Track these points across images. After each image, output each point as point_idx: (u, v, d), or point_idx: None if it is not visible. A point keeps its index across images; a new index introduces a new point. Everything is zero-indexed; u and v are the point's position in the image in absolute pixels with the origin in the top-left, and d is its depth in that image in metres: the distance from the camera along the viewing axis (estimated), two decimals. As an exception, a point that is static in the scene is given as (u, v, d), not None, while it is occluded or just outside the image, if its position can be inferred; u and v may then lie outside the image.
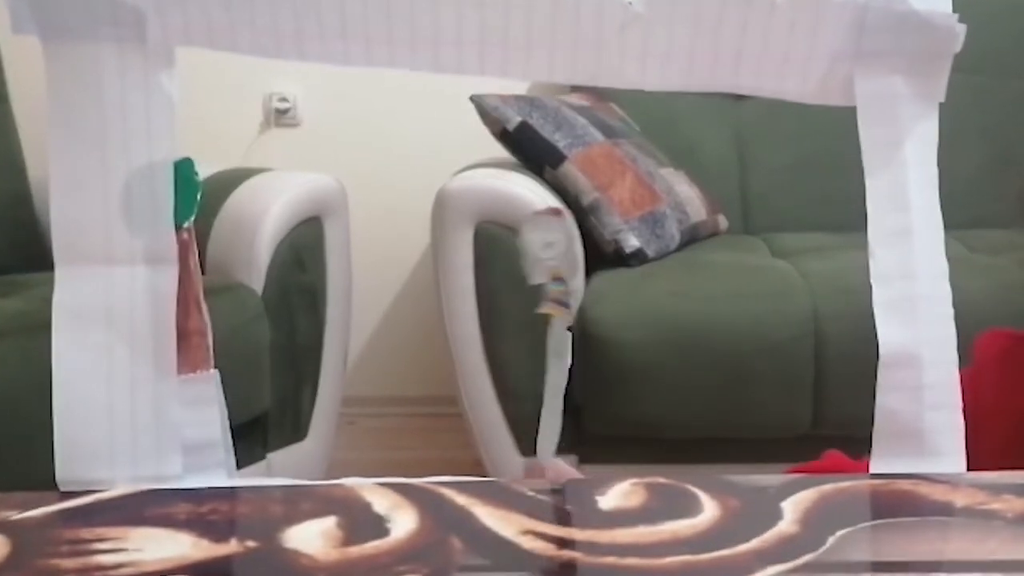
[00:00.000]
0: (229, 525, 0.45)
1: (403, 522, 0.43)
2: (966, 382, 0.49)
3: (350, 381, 2.04)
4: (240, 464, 0.55)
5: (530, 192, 1.74)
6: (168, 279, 0.50)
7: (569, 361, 0.56)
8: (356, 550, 0.41)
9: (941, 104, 0.52)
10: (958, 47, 0.50)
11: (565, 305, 0.57)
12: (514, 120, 1.88)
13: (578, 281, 0.55)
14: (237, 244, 1.69)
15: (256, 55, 0.52)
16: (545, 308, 0.56)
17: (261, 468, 1.70)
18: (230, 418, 0.53)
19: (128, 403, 0.49)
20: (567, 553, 0.41)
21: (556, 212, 0.57)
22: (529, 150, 1.88)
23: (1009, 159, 2.25)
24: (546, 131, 1.87)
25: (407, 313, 2.48)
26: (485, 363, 1.72)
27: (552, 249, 0.56)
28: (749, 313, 1.65)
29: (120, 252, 0.49)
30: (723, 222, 2.15)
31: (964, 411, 0.49)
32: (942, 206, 0.51)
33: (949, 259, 0.50)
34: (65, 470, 0.48)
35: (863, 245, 0.51)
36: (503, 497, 0.46)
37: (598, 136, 1.92)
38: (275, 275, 1.71)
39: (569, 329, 0.57)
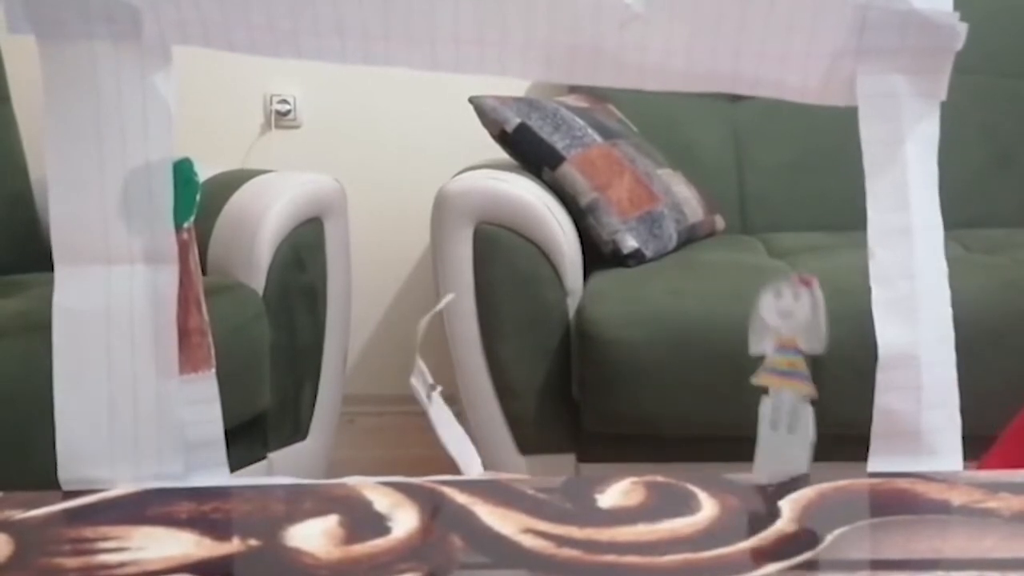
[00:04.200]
0: (231, 524, 0.45)
1: (404, 520, 0.44)
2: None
3: (350, 380, 2.04)
4: (241, 463, 0.56)
5: (529, 193, 1.75)
6: (168, 278, 0.50)
7: (811, 437, 0.52)
8: (358, 548, 0.41)
9: (941, 104, 0.52)
10: (959, 45, 0.51)
11: (799, 377, 0.55)
12: (513, 121, 1.88)
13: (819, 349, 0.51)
14: (238, 244, 1.70)
15: (252, 53, 0.52)
16: (760, 379, 0.55)
17: (262, 467, 1.70)
18: (231, 417, 0.54)
19: (130, 402, 0.49)
20: (567, 551, 0.41)
21: (806, 282, 0.54)
22: (528, 151, 1.88)
23: (1009, 159, 2.25)
24: (545, 132, 1.88)
25: (407, 313, 2.48)
26: (484, 362, 1.73)
27: (791, 319, 0.53)
28: (747, 312, 1.65)
29: (119, 251, 0.49)
30: (720, 222, 2.15)
31: None
32: (942, 206, 0.51)
33: (947, 259, 0.51)
34: (67, 470, 0.48)
35: (860, 244, 0.51)
36: (503, 496, 0.46)
37: (596, 137, 1.93)
38: (276, 275, 1.71)
39: (812, 402, 0.54)
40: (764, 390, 0.54)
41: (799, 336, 0.52)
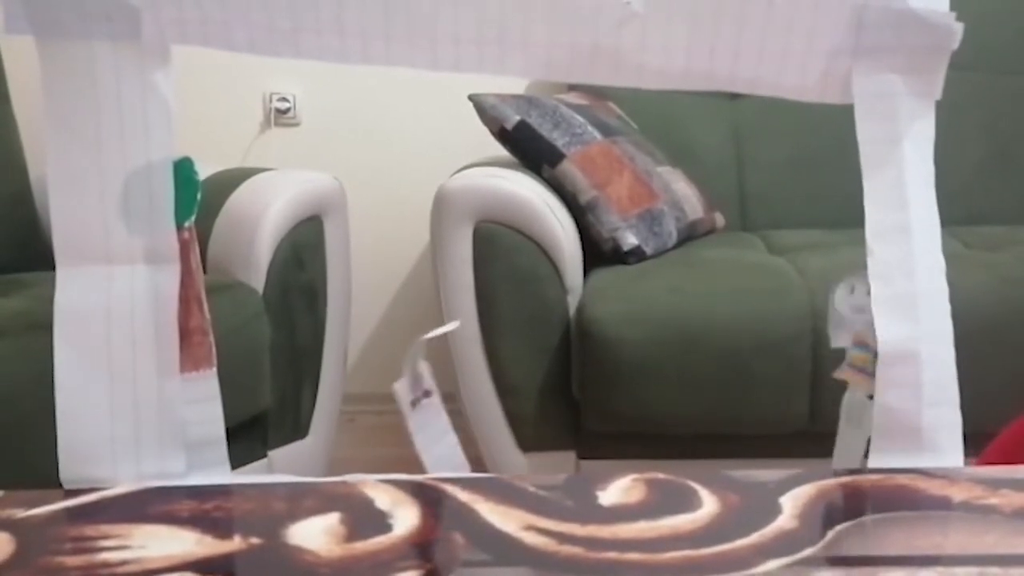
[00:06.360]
0: (233, 522, 0.45)
1: (405, 518, 0.44)
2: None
3: (350, 379, 2.04)
4: (241, 462, 0.56)
5: (529, 191, 1.75)
6: (169, 278, 0.50)
7: (868, 431, 0.53)
8: (359, 546, 0.41)
9: (940, 101, 0.52)
10: (955, 44, 0.51)
11: (866, 373, 0.55)
12: (512, 119, 1.88)
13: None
14: (237, 243, 1.70)
15: (252, 52, 0.52)
16: (843, 373, 0.55)
17: (262, 466, 1.70)
18: (231, 416, 0.54)
19: (131, 401, 0.49)
20: (568, 548, 0.41)
21: None
22: (528, 149, 1.88)
23: (1009, 156, 2.25)
24: (544, 130, 1.88)
25: (407, 311, 2.48)
26: (484, 360, 1.73)
27: (863, 314, 0.54)
28: (747, 310, 1.65)
29: (120, 251, 0.49)
30: (720, 219, 2.15)
31: None
32: (941, 203, 0.51)
33: (947, 255, 0.51)
34: (69, 468, 0.48)
35: (861, 241, 0.51)
36: (504, 493, 0.46)
37: (596, 135, 1.93)
38: (275, 274, 1.71)
39: (869, 397, 0.55)
40: (841, 385, 0.55)
41: (870, 331, 0.52)
